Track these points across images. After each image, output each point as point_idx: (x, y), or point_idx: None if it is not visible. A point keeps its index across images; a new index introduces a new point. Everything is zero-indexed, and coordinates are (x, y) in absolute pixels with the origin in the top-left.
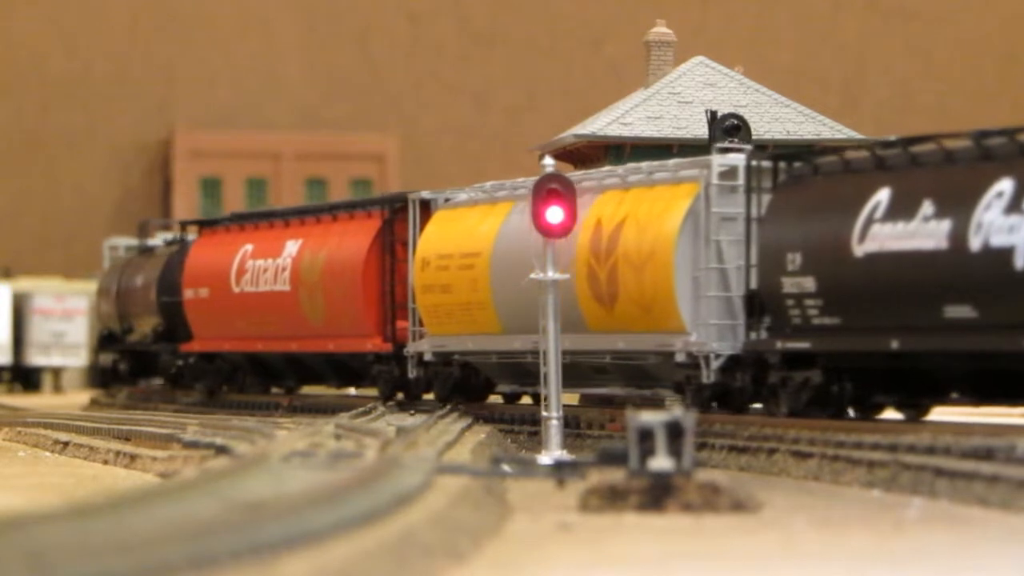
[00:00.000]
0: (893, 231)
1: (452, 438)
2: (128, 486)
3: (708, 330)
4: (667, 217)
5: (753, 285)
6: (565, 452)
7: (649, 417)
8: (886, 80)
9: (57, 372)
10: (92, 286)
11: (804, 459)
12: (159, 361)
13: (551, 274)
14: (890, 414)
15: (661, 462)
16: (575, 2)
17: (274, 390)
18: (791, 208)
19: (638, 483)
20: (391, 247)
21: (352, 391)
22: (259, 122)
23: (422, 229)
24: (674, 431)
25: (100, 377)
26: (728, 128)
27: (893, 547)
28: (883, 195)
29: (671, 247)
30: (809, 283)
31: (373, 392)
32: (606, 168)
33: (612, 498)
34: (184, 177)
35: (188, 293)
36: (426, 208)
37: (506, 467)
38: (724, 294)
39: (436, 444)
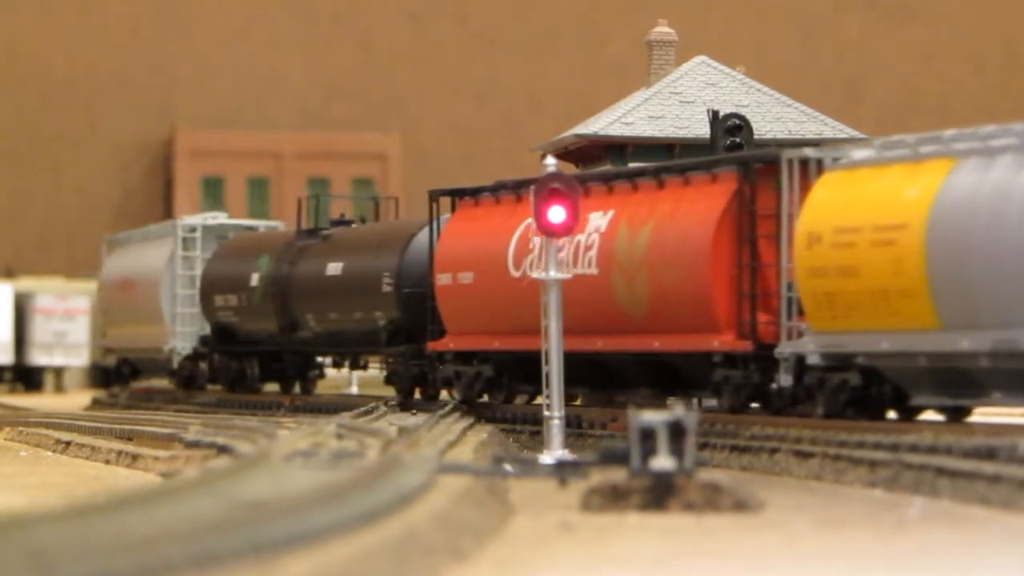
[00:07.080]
0: None
1: (454, 438)
2: (130, 486)
3: None
4: None
5: None
6: (567, 452)
7: (651, 417)
8: (887, 79)
9: (59, 372)
10: (94, 285)
11: (806, 459)
12: (393, 364)
13: (552, 273)
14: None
15: (663, 462)
16: (576, 2)
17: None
18: None
19: (640, 483)
20: (751, 219)
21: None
22: (260, 122)
23: (802, 196)
24: (676, 431)
25: (186, 380)
26: (730, 128)
27: (895, 546)
28: None
29: None
30: None
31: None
32: None
33: (614, 498)
34: (185, 177)
35: (442, 279)
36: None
37: (508, 467)
38: None
39: (438, 444)
